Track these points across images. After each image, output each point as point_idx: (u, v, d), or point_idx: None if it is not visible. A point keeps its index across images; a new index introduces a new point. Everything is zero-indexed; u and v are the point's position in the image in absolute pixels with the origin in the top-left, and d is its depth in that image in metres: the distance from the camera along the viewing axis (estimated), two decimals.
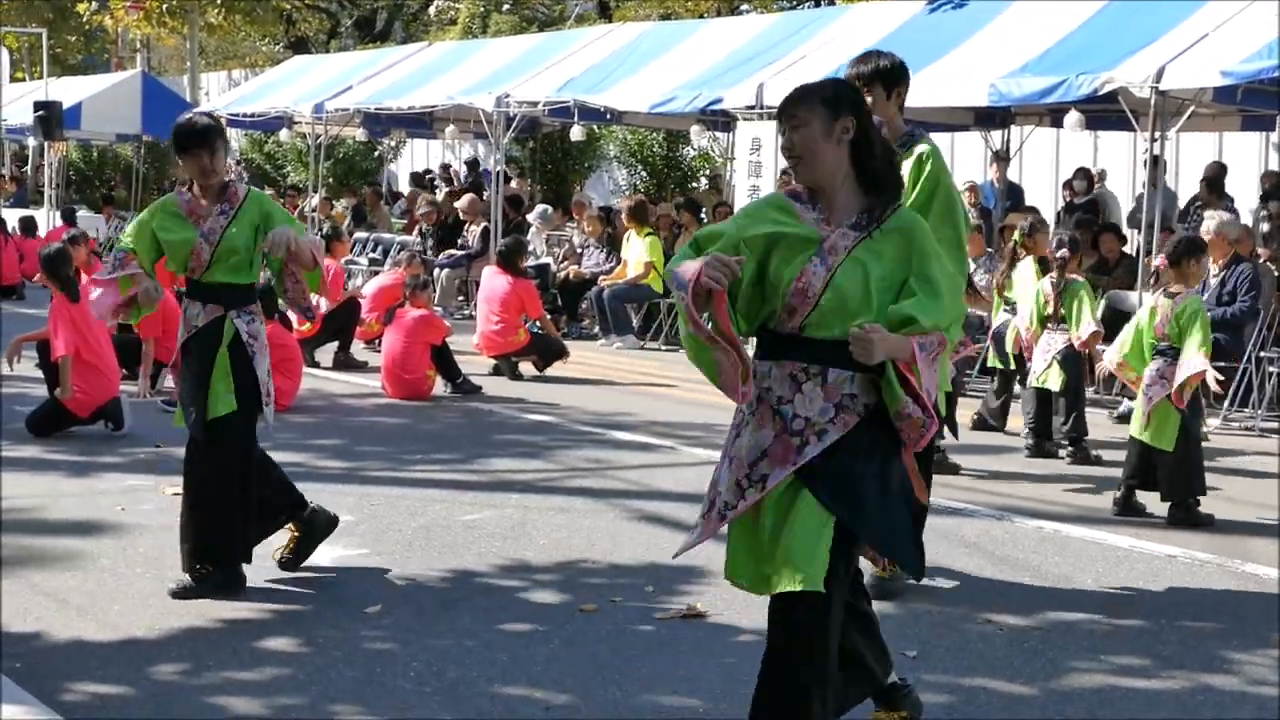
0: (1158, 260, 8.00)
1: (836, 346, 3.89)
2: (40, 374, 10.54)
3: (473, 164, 25.71)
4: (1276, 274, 12.04)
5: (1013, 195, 17.12)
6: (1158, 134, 11.94)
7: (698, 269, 3.76)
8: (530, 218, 19.05)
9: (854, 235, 3.93)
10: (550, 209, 19.30)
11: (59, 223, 23.64)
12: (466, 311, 17.65)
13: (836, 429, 3.92)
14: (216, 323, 6.17)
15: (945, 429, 6.83)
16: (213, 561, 6.17)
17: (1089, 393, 11.13)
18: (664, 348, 15.60)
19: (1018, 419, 10.63)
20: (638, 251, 15.82)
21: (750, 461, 3.97)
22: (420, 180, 26.20)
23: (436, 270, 18.06)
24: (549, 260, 17.92)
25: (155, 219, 6.29)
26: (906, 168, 5.64)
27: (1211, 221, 11.49)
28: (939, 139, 6.54)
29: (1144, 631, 5.87)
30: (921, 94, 9.99)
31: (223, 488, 6.17)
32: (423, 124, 22.01)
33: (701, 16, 27.08)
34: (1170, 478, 7.75)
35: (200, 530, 6.17)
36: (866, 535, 4.00)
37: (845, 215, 3.97)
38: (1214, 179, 15.35)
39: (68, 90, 30.35)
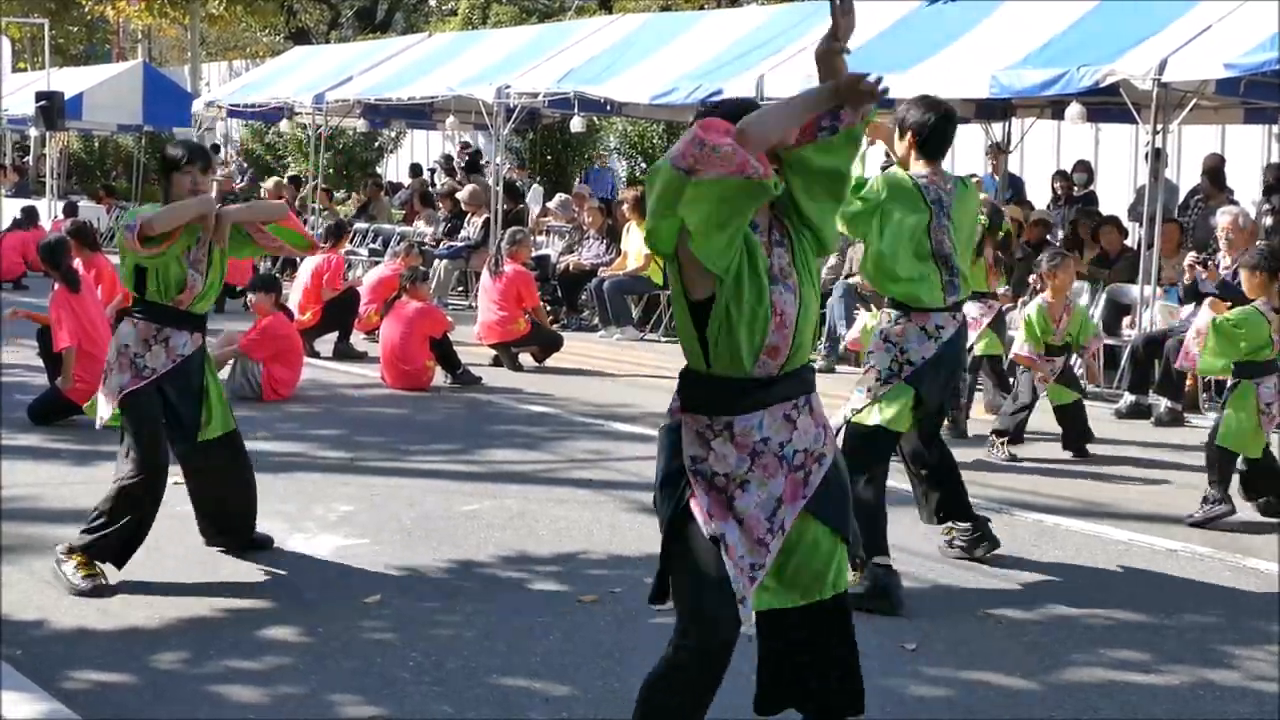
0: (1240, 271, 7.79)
1: (808, 369, 3.90)
2: (40, 363, 10.54)
3: (470, 156, 25.68)
4: None
5: (1013, 187, 17.12)
6: (1159, 126, 11.91)
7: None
8: (551, 205, 19.11)
9: None
10: (568, 197, 19.34)
11: (60, 213, 23.65)
12: (466, 303, 17.65)
13: (830, 448, 3.93)
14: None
15: None
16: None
17: (1090, 388, 11.18)
18: (663, 339, 15.58)
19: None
20: (638, 243, 15.81)
21: (768, 515, 3.82)
22: (419, 172, 26.18)
23: (436, 261, 18.05)
24: (550, 251, 17.93)
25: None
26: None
27: (1227, 217, 11.43)
28: None
29: (1144, 626, 5.87)
30: (922, 86, 9.95)
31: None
32: (423, 115, 22.00)
33: (702, 8, 27.04)
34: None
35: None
36: (853, 548, 4.06)
37: None
38: (1214, 170, 15.31)
39: (69, 81, 30.30)
